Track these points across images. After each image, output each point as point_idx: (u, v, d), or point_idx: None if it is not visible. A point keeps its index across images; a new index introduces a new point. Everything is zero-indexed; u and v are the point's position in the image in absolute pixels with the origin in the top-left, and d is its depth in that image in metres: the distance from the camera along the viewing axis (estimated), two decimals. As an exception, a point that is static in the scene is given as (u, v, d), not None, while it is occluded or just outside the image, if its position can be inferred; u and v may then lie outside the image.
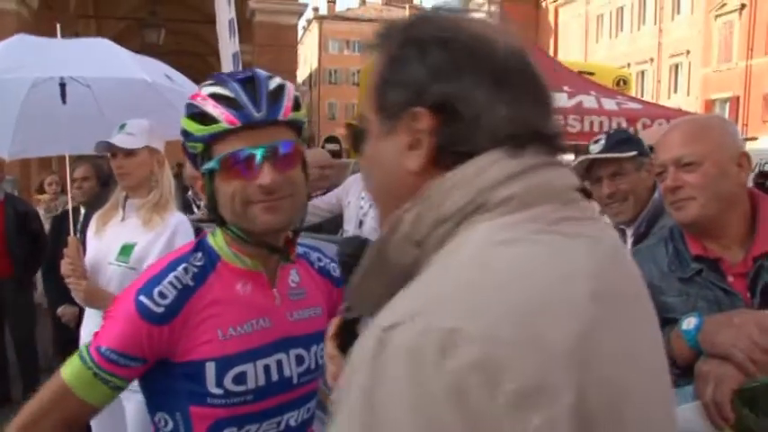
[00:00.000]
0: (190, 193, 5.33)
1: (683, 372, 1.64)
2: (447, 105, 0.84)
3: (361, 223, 4.62)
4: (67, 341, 4.66)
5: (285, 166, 1.44)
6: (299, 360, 1.55)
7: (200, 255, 1.50)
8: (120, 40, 18.79)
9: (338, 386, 0.78)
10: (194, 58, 19.65)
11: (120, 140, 2.85)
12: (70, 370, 1.41)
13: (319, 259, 1.73)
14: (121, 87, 3.56)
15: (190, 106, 1.45)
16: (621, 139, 2.64)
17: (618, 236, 0.97)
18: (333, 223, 5.19)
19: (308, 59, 60.64)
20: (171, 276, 1.43)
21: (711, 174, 1.76)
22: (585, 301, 0.76)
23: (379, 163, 0.92)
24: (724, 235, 1.78)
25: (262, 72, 1.49)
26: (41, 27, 12.57)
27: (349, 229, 5.04)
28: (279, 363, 1.51)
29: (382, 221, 0.93)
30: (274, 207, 1.43)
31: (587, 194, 0.91)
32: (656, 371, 0.86)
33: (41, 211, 6.90)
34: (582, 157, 2.66)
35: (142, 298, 1.40)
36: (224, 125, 1.40)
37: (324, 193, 5.43)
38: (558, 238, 0.81)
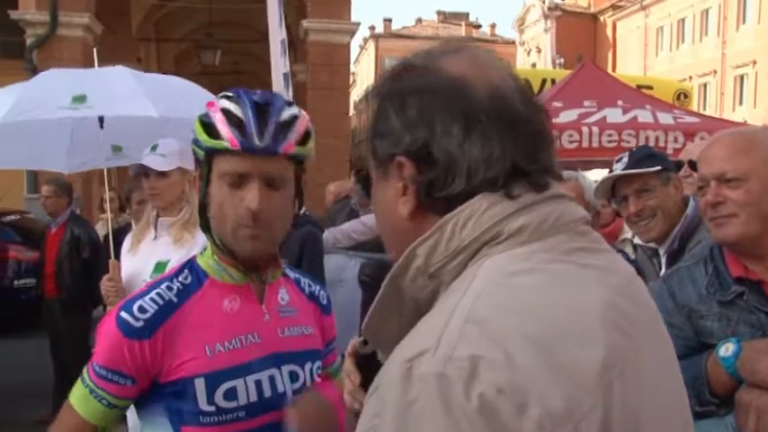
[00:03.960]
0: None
1: (721, 401, 1.56)
2: (422, 153, 0.87)
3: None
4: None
5: (273, 193, 1.47)
6: (294, 376, 1.56)
7: (186, 273, 1.54)
8: (178, 61, 19.30)
9: (361, 415, 0.80)
10: (252, 77, 20.05)
11: (153, 162, 2.91)
12: (74, 389, 1.48)
13: (309, 285, 1.76)
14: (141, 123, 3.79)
15: (204, 114, 1.50)
16: (645, 155, 2.55)
17: (631, 266, 0.97)
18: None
19: (364, 78, 61.22)
20: (153, 293, 1.47)
21: (756, 191, 1.66)
22: (601, 329, 0.78)
23: (380, 208, 0.97)
24: (767, 255, 1.67)
25: (281, 99, 1.52)
26: (105, 51, 13.04)
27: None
28: (271, 378, 1.52)
29: (394, 261, 0.95)
30: (257, 236, 1.47)
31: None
32: (672, 394, 0.88)
33: (101, 230, 7.07)
34: (604, 177, 2.60)
35: (122, 314, 1.44)
36: (225, 144, 1.44)
37: (371, 211, 5.45)
38: (572, 267, 0.83)
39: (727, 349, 1.55)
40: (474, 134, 0.85)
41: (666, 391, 0.86)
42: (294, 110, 1.51)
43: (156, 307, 1.44)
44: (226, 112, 1.46)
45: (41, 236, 6.40)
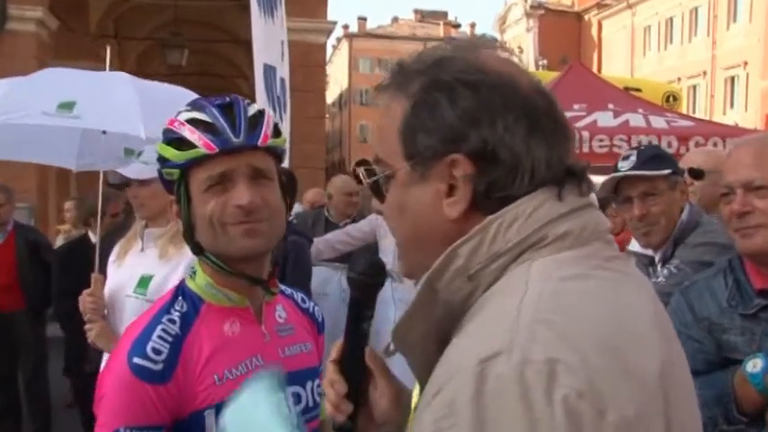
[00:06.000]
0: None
1: (751, 419, 1.56)
2: (486, 152, 0.86)
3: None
4: (78, 374, 4.74)
5: (262, 188, 1.47)
6: (297, 398, 1.56)
7: (181, 301, 1.51)
8: (141, 61, 19.08)
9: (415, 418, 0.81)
10: (221, 80, 19.97)
11: (132, 170, 2.89)
12: None
13: (303, 301, 1.76)
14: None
15: (167, 132, 1.48)
16: (654, 156, 2.52)
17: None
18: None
19: (337, 79, 61.24)
20: (158, 330, 1.43)
21: None
22: (654, 337, 0.83)
23: (409, 210, 0.94)
24: None
25: (240, 98, 1.53)
26: (61, 49, 12.90)
27: (387, 261, 5.01)
28: None
29: (409, 270, 0.98)
30: (254, 230, 1.45)
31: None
32: (695, 401, 0.92)
33: (61, 241, 6.94)
34: (610, 175, 2.55)
35: (136, 360, 1.38)
36: (202, 150, 1.43)
37: (353, 221, 5.43)
38: (615, 274, 0.87)
39: (755, 365, 1.56)
40: (536, 133, 0.87)
41: (693, 397, 0.91)
42: (256, 106, 1.54)
43: (168, 345, 1.41)
44: (191, 121, 1.46)
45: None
